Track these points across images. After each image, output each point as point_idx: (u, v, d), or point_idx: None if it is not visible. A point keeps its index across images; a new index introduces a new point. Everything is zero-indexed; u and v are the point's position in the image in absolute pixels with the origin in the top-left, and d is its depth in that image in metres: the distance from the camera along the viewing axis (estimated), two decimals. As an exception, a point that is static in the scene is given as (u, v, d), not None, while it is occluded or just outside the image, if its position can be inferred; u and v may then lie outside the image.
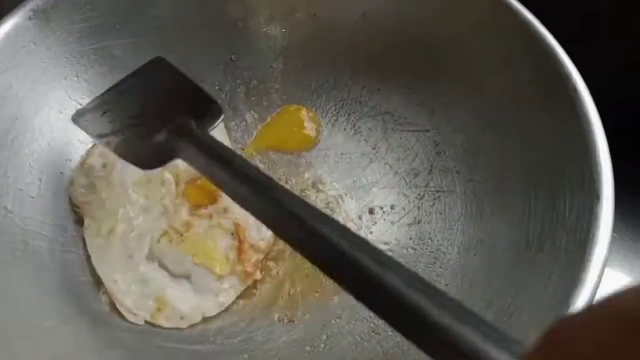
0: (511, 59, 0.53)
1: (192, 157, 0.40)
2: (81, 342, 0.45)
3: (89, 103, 0.50)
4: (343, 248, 0.27)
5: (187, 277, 0.51)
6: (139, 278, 0.51)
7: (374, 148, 0.62)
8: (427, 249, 0.55)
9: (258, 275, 0.52)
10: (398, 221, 0.58)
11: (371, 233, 0.57)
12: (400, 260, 0.53)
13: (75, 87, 0.56)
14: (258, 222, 0.48)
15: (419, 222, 0.57)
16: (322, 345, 0.50)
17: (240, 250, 0.52)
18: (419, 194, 0.59)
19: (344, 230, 0.28)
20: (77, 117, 0.49)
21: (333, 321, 0.51)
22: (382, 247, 0.56)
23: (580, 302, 0.38)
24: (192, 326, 0.50)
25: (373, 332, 0.50)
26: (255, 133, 0.64)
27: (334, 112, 0.64)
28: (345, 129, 0.64)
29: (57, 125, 0.54)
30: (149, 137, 0.44)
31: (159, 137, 0.43)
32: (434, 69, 0.59)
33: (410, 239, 0.56)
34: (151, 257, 0.52)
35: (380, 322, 0.51)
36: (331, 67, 0.64)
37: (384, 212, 0.59)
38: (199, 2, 0.61)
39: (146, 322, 0.50)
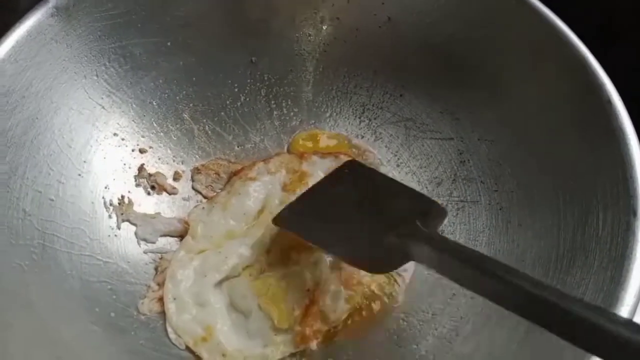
0: (540, 67, 0.52)
1: (428, 257, 0.40)
2: (100, 350, 0.44)
3: (290, 206, 0.52)
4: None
5: (246, 315, 0.50)
6: (200, 300, 0.50)
7: (396, 155, 0.61)
8: (451, 260, 0.54)
9: (314, 345, 0.48)
10: (420, 230, 0.57)
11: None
12: (424, 272, 0.53)
13: (95, 87, 0.55)
14: (338, 291, 0.49)
15: (442, 233, 0.56)
16: None
17: (307, 311, 0.49)
18: (442, 204, 0.58)
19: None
20: (281, 220, 0.50)
21: None
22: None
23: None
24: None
25: (396, 345, 0.49)
26: (274, 135, 0.63)
27: (356, 118, 0.63)
28: (365, 135, 0.63)
29: (76, 125, 0.53)
30: (375, 241, 0.44)
31: (389, 240, 0.43)
32: (460, 76, 0.58)
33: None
34: (222, 283, 0.51)
35: (404, 335, 0.50)
36: (353, 72, 0.63)
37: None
38: (221, 2, 0.59)
39: (187, 347, 0.48)
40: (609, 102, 0.46)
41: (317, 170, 0.58)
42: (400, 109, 0.62)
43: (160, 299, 0.50)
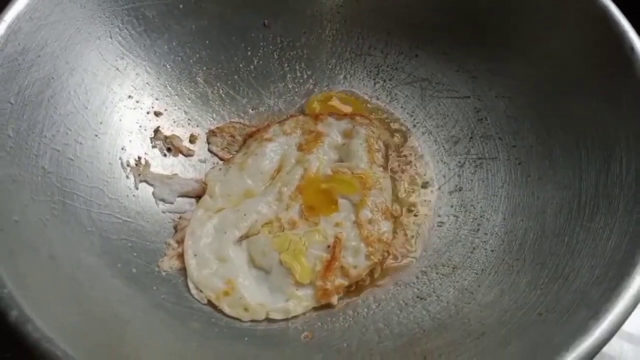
0: (560, 19, 0.51)
1: None
2: (123, 304, 0.44)
3: None
4: None
5: (267, 271, 0.50)
6: (220, 255, 0.50)
7: (412, 115, 0.61)
8: (470, 216, 0.54)
9: (335, 299, 0.49)
10: (438, 189, 0.57)
11: (410, 202, 0.56)
12: (443, 228, 0.53)
13: (109, 49, 0.55)
14: (358, 248, 0.49)
15: (460, 190, 0.56)
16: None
17: (328, 266, 0.49)
18: (459, 162, 0.57)
19: None
20: None
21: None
22: (425, 215, 0.55)
23: (647, 259, 0.37)
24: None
25: (417, 297, 0.49)
26: (287, 97, 0.62)
27: (370, 79, 0.63)
28: (380, 97, 0.63)
29: (91, 87, 0.53)
30: None
31: None
32: (477, 33, 0.58)
33: (452, 206, 0.55)
34: (242, 240, 0.51)
35: (425, 288, 0.50)
36: (367, 32, 0.63)
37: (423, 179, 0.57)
38: (233, -37, 0.59)
39: (209, 302, 0.48)
40: (631, 49, 0.46)
41: (333, 131, 0.58)
42: (416, 69, 0.62)
43: (180, 256, 0.50)
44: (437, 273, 0.50)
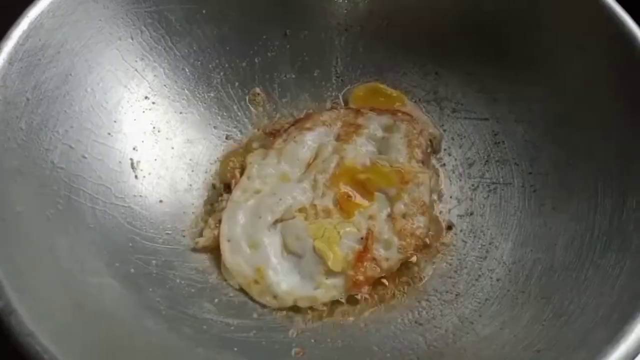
0: (585, 45, 0.50)
1: None
2: (118, 303, 0.44)
3: None
4: None
5: (299, 256, 0.51)
6: (253, 241, 0.51)
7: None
8: (478, 242, 0.52)
9: (365, 290, 0.49)
10: (449, 212, 0.55)
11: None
12: (451, 251, 0.51)
13: (129, 49, 0.55)
14: (391, 241, 0.50)
15: (471, 214, 0.54)
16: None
17: (360, 257, 0.50)
18: (473, 185, 0.56)
19: None
20: None
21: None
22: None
23: (656, 302, 0.35)
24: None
25: (416, 322, 0.47)
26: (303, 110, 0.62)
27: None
28: (398, 113, 0.61)
29: (109, 85, 0.54)
30: None
31: None
32: (499, 55, 0.56)
33: (461, 231, 0.54)
34: (276, 225, 0.52)
35: (425, 313, 0.48)
36: (388, 48, 0.62)
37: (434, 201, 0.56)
38: (258, -28, 0.59)
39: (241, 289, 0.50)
40: (657, 79, 0.44)
41: (373, 124, 0.58)
42: (435, 87, 0.61)
43: (216, 238, 0.52)
44: (439, 299, 0.49)
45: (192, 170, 0.57)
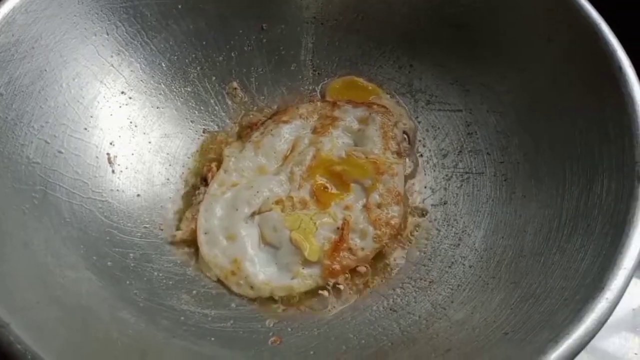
0: (553, 37, 0.51)
1: None
2: (95, 296, 0.44)
3: None
4: None
5: (276, 247, 0.52)
6: (230, 233, 0.52)
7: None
8: (452, 230, 0.53)
9: (341, 279, 0.50)
10: (423, 202, 0.56)
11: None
12: (423, 241, 0.52)
13: (105, 45, 0.55)
14: (366, 230, 0.51)
15: (445, 203, 0.55)
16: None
17: (336, 247, 0.51)
18: (447, 175, 0.57)
19: None
20: None
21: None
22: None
23: (615, 283, 0.36)
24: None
25: (391, 309, 0.48)
26: (280, 103, 0.63)
27: (364, 88, 0.63)
28: (373, 106, 0.62)
29: (84, 81, 0.54)
30: None
31: None
32: (472, 48, 0.57)
33: (435, 220, 0.55)
34: (253, 216, 0.53)
35: (399, 301, 0.49)
36: (362, 41, 0.63)
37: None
38: (233, -33, 0.60)
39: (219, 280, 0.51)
40: (619, 68, 0.45)
41: (349, 117, 0.59)
42: (409, 79, 0.61)
43: (193, 231, 0.53)
44: (413, 286, 0.50)
45: (170, 165, 0.58)
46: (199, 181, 0.57)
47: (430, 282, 0.49)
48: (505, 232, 0.49)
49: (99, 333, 0.41)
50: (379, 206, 0.53)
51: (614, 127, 0.44)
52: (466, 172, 0.56)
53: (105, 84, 0.56)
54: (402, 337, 0.45)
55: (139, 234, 0.52)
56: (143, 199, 0.54)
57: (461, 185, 0.55)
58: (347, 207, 0.53)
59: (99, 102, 0.55)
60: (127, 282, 0.47)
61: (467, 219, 0.53)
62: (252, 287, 0.50)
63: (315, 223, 0.52)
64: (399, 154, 0.57)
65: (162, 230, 0.53)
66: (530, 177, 0.50)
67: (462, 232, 0.52)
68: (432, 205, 0.55)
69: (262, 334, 0.46)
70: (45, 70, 0.51)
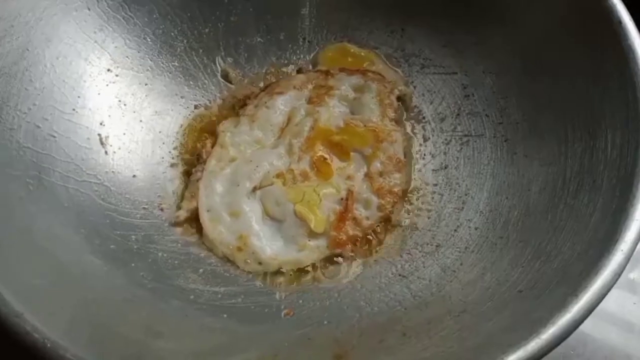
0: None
1: None
2: (101, 279, 0.43)
3: None
4: None
5: (280, 221, 0.51)
6: (233, 210, 0.51)
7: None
8: (455, 194, 0.53)
9: (348, 249, 0.50)
10: (424, 166, 0.56)
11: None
12: (428, 205, 0.52)
13: (87, 20, 0.53)
14: (370, 200, 0.51)
15: (445, 167, 0.55)
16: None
17: (341, 217, 0.50)
18: (446, 139, 0.56)
19: None
20: None
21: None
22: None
23: (629, 234, 0.36)
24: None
25: (400, 275, 0.48)
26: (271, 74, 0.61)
27: (356, 54, 0.62)
28: (366, 73, 0.61)
29: (69, 59, 0.52)
30: None
31: None
32: (463, 7, 0.56)
33: (437, 184, 0.54)
34: (255, 191, 0.52)
35: (407, 266, 0.49)
36: (353, 7, 0.61)
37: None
38: None
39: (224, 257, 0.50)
40: (619, 22, 0.45)
41: (344, 85, 0.58)
42: (402, 44, 0.61)
43: (196, 209, 0.52)
44: (420, 251, 0.50)
45: (163, 143, 0.56)
46: (195, 158, 0.56)
47: (437, 246, 0.50)
48: (509, 193, 0.50)
49: (112, 318, 0.40)
50: (380, 174, 0.53)
51: (616, 81, 0.44)
52: (465, 135, 0.55)
53: (90, 62, 0.54)
54: (414, 302, 0.45)
55: (138, 216, 0.51)
56: (139, 179, 0.53)
57: (461, 148, 0.55)
58: (349, 177, 0.53)
59: (85, 81, 0.53)
60: (133, 265, 0.46)
61: (470, 181, 0.53)
62: (260, 263, 0.49)
63: (318, 194, 0.51)
64: (396, 120, 0.57)
65: (162, 210, 0.52)
66: (531, 137, 0.51)
67: (466, 195, 0.52)
68: (433, 170, 0.55)
69: (275, 307, 0.46)
70: (28, 50, 0.48)
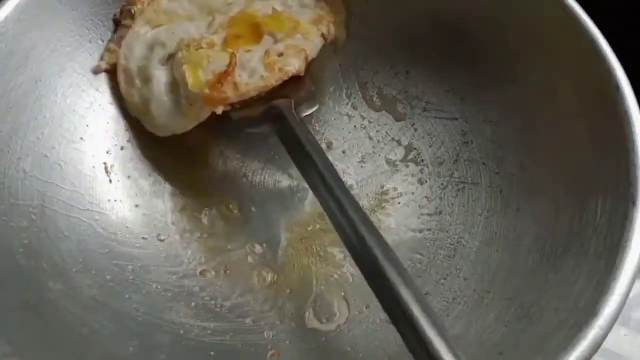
0: (551, 50, 0.51)
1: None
2: (94, 311, 0.44)
3: None
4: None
5: (179, 87, 0.52)
6: (145, 75, 0.53)
7: (400, 131, 0.61)
8: (447, 240, 0.54)
9: (219, 109, 0.50)
10: (419, 209, 0.57)
11: (389, 219, 0.56)
12: (419, 251, 0.53)
13: (100, 51, 0.55)
14: (256, 69, 0.52)
15: (440, 213, 0.56)
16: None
17: (219, 78, 0.50)
18: (442, 184, 0.57)
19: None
20: None
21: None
22: (397, 236, 0.55)
23: (607, 310, 0.37)
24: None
25: (387, 322, 0.49)
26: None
27: (360, 94, 0.62)
28: (368, 112, 0.62)
29: (80, 89, 0.53)
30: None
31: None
32: (469, 56, 0.57)
33: (430, 229, 0.55)
34: (169, 61, 0.54)
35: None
36: (358, 46, 0.62)
37: (404, 198, 0.57)
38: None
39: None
40: (617, 88, 0.45)
41: None
42: (406, 86, 0.61)
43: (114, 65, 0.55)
44: (408, 297, 0.50)
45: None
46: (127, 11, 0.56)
47: (425, 293, 0.50)
48: (499, 245, 0.50)
49: (99, 351, 0.41)
50: (279, 55, 0.53)
51: (611, 146, 0.44)
52: (461, 182, 0.56)
53: (100, 91, 0.55)
54: (399, 351, 0.45)
55: (137, 245, 0.52)
56: (141, 208, 0.54)
57: (457, 194, 0.56)
58: (248, 52, 0.53)
59: (94, 110, 0.54)
60: (126, 296, 0.48)
61: (462, 229, 0.54)
62: (157, 127, 0.53)
63: (207, 56, 0.51)
64: (324, 37, 0.57)
65: (161, 241, 0.53)
66: (525, 191, 0.51)
67: (458, 242, 0.53)
68: (427, 214, 0.56)
69: (261, 347, 0.47)
70: (40, 80, 0.50)
